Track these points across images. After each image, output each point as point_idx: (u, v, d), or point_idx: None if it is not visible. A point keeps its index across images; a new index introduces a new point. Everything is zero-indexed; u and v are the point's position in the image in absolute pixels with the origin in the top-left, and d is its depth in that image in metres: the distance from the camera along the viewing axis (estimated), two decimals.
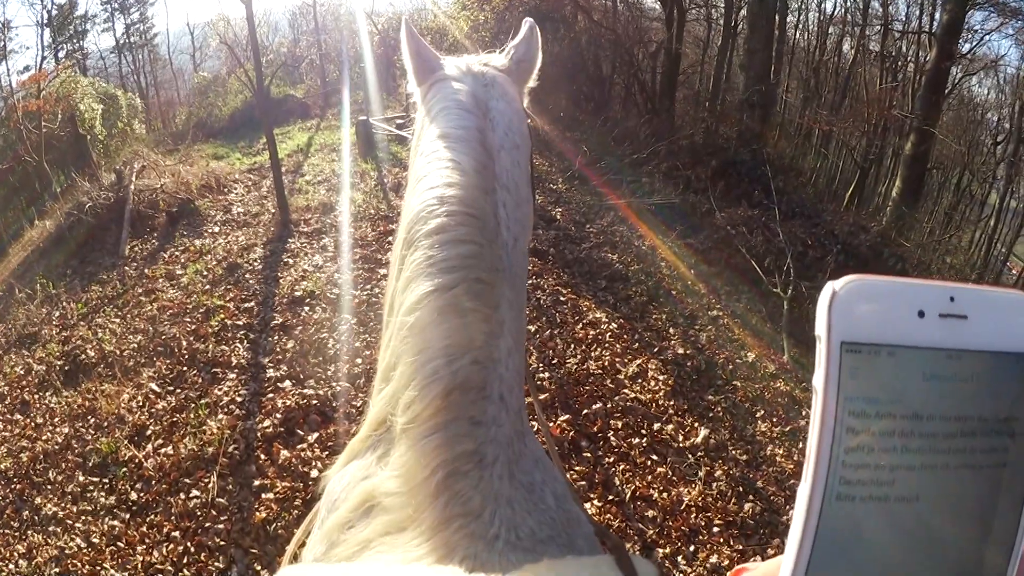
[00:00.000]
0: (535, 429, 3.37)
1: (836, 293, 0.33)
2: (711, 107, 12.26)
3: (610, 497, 3.93)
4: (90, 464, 4.50)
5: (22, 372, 5.89)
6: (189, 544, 3.82)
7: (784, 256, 6.52)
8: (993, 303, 0.35)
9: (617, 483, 4.05)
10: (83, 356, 5.67)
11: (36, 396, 5.48)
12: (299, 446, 4.22)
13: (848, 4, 15.56)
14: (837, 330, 0.32)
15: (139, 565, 3.75)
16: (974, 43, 13.11)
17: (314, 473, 4.01)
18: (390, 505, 0.81)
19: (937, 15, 12.38)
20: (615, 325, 5.32)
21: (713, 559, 3.64)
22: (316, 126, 13.63)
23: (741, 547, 3.74)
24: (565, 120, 10.77)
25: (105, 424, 4.82)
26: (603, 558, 0.75)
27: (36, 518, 4.25)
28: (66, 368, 5.64)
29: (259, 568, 3.63)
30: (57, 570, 3.82)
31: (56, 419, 5.10)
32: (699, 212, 7.44)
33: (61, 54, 17.99)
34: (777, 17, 12.17)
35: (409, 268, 0.88)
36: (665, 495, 3.99)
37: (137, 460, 4.40)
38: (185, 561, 3.75)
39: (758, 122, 10.52)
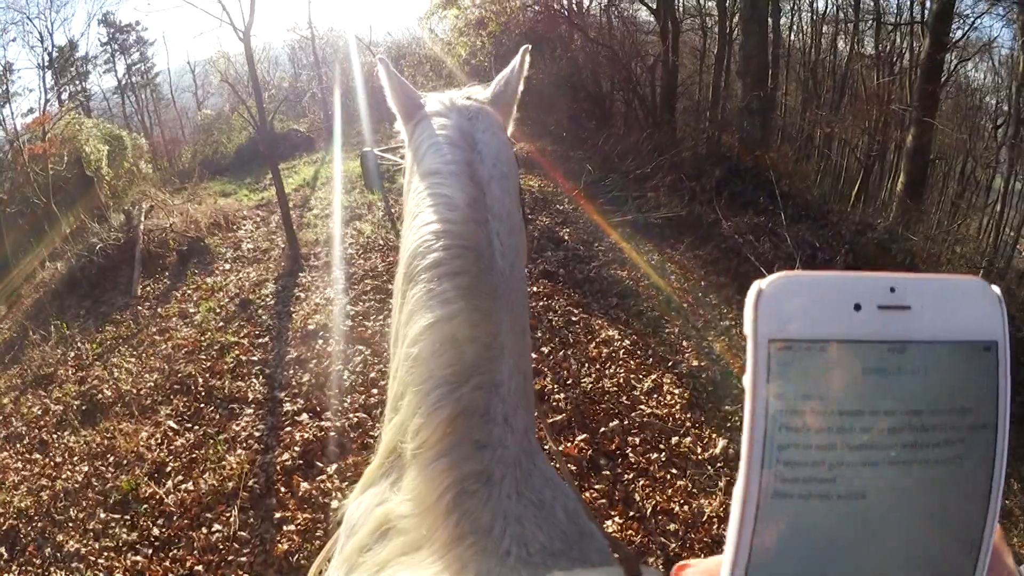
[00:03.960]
0: (547, 450, 3.38)
1: (762, 291, 0.34)
2: (711, 116, 12.26)
3: (631, 513, 3.92)
4: (111, 501, 4.52)
5: (39, 412, 5.88)
6: None
7: (793, 260, 6.52)
8: (939, 291, 0.34)
9: (637, 499, 4.04)
10: (100, 396, 5.70)
11: (54, 436, 5.49)
12: (319, 478, 4.24)
13: (840, 1, 15.62)
14: (764, 327, 0.33)
15: None
16: (966, 28, 13.12)
17: (334, 504, 4.01)
18: (405, 527, 0.84)
19: (928, 4, 12.41)
20: (628, 342, 5.31)
21: None
22: (321, 159, 13.59)
23: None
24: (568, 140, 10.77)
25: (124, 462, 4.84)
26: (612, 569, 0.77)
27: (58, 555, 4.26)
28: (83, 408, 5.66)
29: None
30: None
31: (75, 458, 5.11)
32: (706, 223, 7.43)
33: (64, 96, 18.18)
34: (770, 20, 12.18)
35: (411, 302, 0.91)
36: (686, 508, 3.97)
37: (158, 496, 4.42)
38: None
39: (759, 128, 10.50)
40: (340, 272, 7.04)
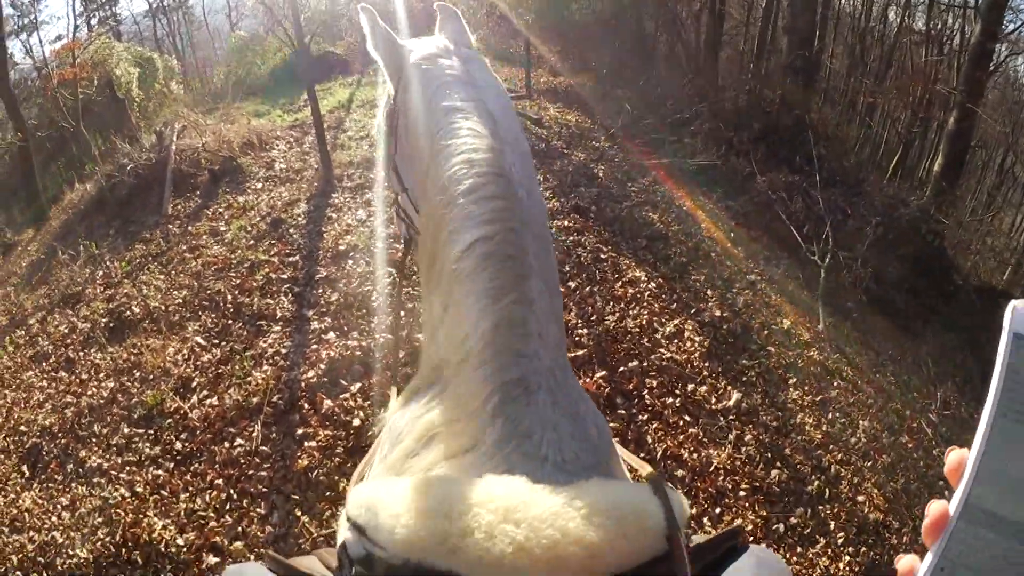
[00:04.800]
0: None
1: (1016, 307, 0.52)
2: (755, 70, 11.99)
3: (642, 455, 3.96)
4: (135, 416, 4.59)
5: (66, 331, 5.97)
6: (232, 491, 3.91)
7: (823, 224, 6.43)
8: None
9: (649, 441, 4.08)
10: (128, 313, 5.74)
11: (81, 353, 5.56)
12: (342, 396, 4.27)
13: None
14: (1014, 325, 0.51)
15: (182, 512, 3.84)
16: (1019, 24, 12.70)
17: (356, 422, 4.07)
18: (450, 432, 0.88)
19: None
20: (654, 284, 5.27)
21: (737, 522, 3.66)
22: (357, 82, 13.41)
23: (765, 513, 3.76)
24: (608, 78, 10.59)
25: (151, 377, 4.90)
26: (641, 485, 0.80)
27: (80, 471, 4.35)
28: (111, 325, 5.71)
29: (299, 514, 3.71)
30: (100, 519, 3.90)
31: (101, 374, 5.18)
32: (740, 175, 7.34)
33: (93, 21, 18.12)
34: None
35: (449, 224, 0.96)
36: (695, 456, 4.01)
37: (182, 411, 4.49)
38: (228, 508, 3.84)
39: (801, 88, 10.30)
40: (373, 194, 6.99)
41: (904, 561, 0.53)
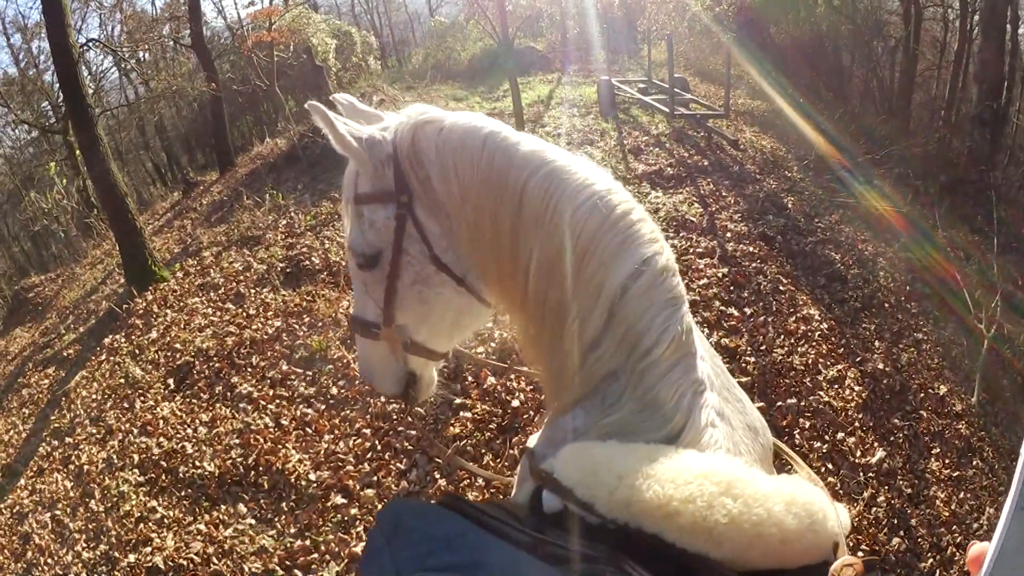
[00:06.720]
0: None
1: None
2: (946, 116, 11.38)
3: None
4: (296, 356, 4.85)
5: (240, 268, 6.36)
6: (377, 442, 4.07)
7: (994, 291, 6.07)
8: None
9: None
10: (307, 262, 6.06)
11: (253, 291, 5.90)
12: (507, 375, 4.40)
13: None
14: None
15: (322, 452, 4.02)
16: None
17: (515, 403, 4.18)
18: (648, 426, 0.95)
19: None
20: (825, 325, 5.17)
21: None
22: (557, 80, 13.51)
23: None
24: (803, 107, 10.33)
25: (320, 324, 5.16)
26: (821, 491, 0.89)
27: (228, 394, 4.63)
28: (287, 270, 6.05)
29: (438, 476, 3.82)
30: (237, 441, 4.16)
31: (270, 313, 5.48)
32: (922, 227, 7.06)
33: None
34: (1009, 27, 10.95)
35: (608, 247, 1.00)
36: None
37: (345, 360, 4.70)
38: (369, 456, 4.01)
39: (988, 142, 9.64)
40: None
41: (975, 548, 0.59)
